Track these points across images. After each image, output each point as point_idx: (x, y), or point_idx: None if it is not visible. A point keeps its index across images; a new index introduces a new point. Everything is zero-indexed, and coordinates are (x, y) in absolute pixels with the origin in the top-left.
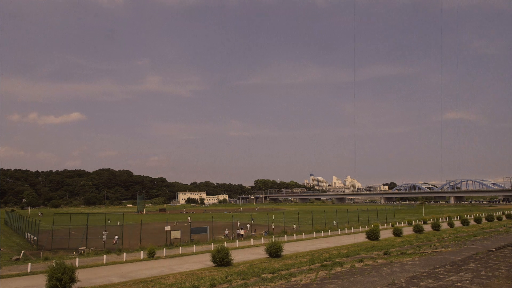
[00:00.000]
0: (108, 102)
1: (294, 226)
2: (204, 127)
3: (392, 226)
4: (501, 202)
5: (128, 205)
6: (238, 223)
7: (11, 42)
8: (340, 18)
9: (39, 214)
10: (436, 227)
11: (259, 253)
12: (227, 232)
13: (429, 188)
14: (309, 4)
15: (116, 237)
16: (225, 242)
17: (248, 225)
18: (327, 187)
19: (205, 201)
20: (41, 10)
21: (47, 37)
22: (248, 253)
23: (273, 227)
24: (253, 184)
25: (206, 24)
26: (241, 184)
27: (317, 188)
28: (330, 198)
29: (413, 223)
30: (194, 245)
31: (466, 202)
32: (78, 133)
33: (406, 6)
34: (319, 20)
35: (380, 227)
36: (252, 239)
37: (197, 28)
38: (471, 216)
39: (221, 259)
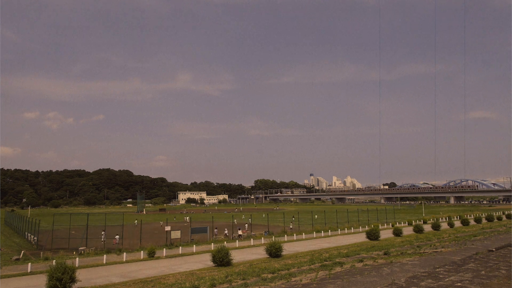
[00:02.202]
0: (134, 101)
1: (291, 226)
2: (224, 126)
3: (392, 226)
4: (501, 202)
5: (128, 205)
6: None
7: (46, 41)
8: (375, 16)
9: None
10: (436, 227)
11: (259, 253)
12: (226, 232)
13: (429, 188)
14: (344, 3)
15: (117, 236)
16: (225, 242)
17: (246, 225)
18: (327, 187)
19: (205, 201)
20: (76, 7)
21: (84, 34)
22: (248, 253)
23: (291, 226)
24: (253, 184)
25: (242, 22)
26: (241, 184)
27: (317, 188)
28: (330, 198)
29: (413, 223)
30: (194, 245)
31: (466, 202)
32: (91, 133)
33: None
34: (354, 18)
35: (380, 227)
36: (252, 239)
37: (233, 26)
38: (471, 216)
39: (221, 259)
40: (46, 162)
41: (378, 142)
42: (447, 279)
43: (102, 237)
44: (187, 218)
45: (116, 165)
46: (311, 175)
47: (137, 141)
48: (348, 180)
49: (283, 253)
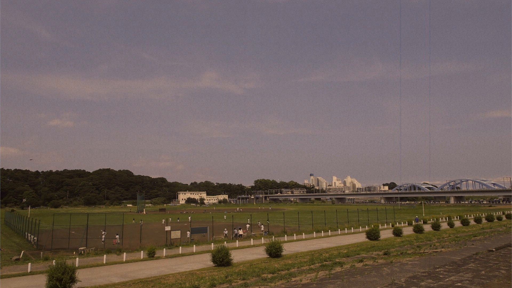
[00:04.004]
0: (156, 100)
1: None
2: (240, 126)
3: (392, 226)
4: (501, 202)
5: (128, 205)
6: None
7: (77, 39)
8: (410, 15)
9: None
10: (436, 227)
11: (259, 253)
12: (226, 232)
13: (429, 188)
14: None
15: (117, 236)
16: (225, 242)
17: (247, 225)
18: (327, 187)
19: (205, 201)
20: (107, 5)
21: (113, 33)
22: (248, 253)
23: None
24: (253, 184)
25: (271, 20)
26: (241, 184)
27: (317, 188)
28: (330, 198)
29: (413, 223)
30: (194, 245)
31: (466, 202)
32: (98, 132)
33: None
34: (386, 17)
35: (380, 227)
36: (252, 239)
37: (263, 24)
38: (471, 216)
39: (221, 259)
40: (46, 162)
41: (378, 142)
42: (447, 279)
43: (103, 237)
44: (189, 218)
45: (117, 165)
46: (311, 175)
47: (145, 141)
48: (348, 180)
49: (283, 253)
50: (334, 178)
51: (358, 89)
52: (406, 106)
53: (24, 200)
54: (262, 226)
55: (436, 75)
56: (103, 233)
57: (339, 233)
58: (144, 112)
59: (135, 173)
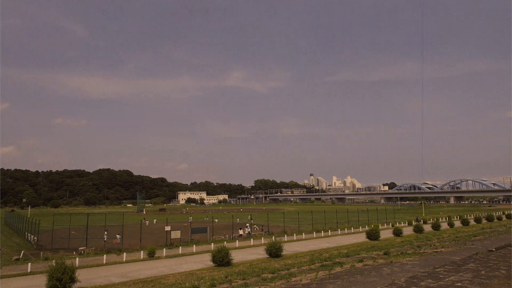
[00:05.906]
0: (176, 99)
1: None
2: (257, 125)
3: (392, 226)
4: (501, 202)
5: (128, 205)
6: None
7: (109, 37)
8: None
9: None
10: (436, 227)
11: (259, 253)
12: (241, 231)
13: (429, 188)
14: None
15: (118, 236)
16: (225, 242)
17: (247, 225)
18: (327, 187)
19: (205, 201)
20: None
21: (147, 27)
22: (248, 253)
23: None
24: (253, 184)
25: (301, 18)
26: (241, 184)
27: (317, 188)
28: (330, 198)
29: (413, 223)
30: (194, 245)
31: (466, 202)
32: (104, 132)
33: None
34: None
35: (380, 227)
36: (252, 239)
37: (293, 23)
38: (471, 216)
39: (221, 259)
40: (46, 162)
41: (378, 142)
42: (447, 279)
43: (105, 236)
44: (189, 218)
45: (117, 165)
46: (311, 175)
47: (148, 141)
48: (348, 180)
49: (283, 253)
50: (334, 178)
51: (359, 89)
52: (408, 106)
53: (24, 200)
54: (247, 225)
55: (436, 76)
56: (105, 233)
57: (339, 233)
58: (162, 111)
59: (135, 173)
